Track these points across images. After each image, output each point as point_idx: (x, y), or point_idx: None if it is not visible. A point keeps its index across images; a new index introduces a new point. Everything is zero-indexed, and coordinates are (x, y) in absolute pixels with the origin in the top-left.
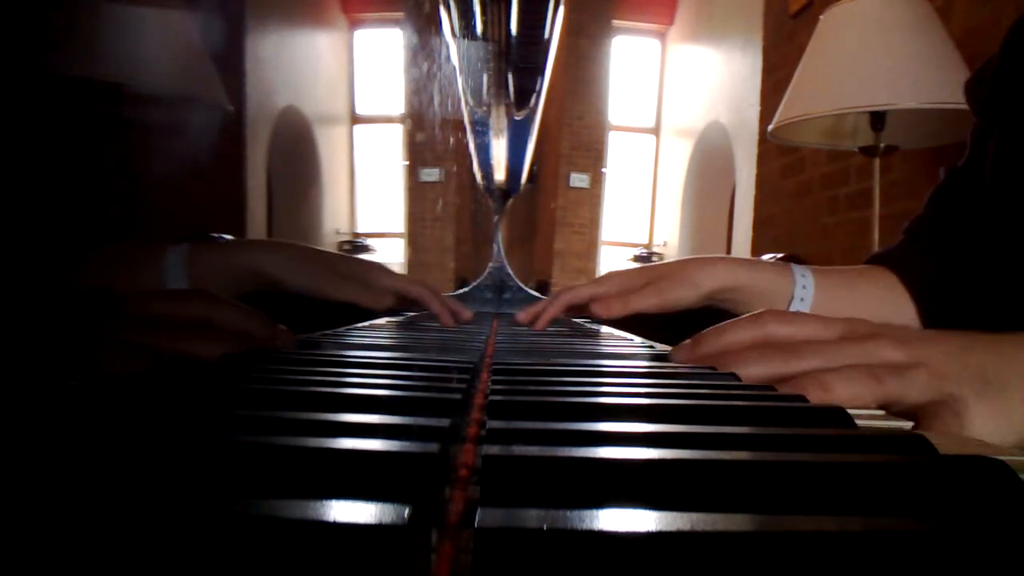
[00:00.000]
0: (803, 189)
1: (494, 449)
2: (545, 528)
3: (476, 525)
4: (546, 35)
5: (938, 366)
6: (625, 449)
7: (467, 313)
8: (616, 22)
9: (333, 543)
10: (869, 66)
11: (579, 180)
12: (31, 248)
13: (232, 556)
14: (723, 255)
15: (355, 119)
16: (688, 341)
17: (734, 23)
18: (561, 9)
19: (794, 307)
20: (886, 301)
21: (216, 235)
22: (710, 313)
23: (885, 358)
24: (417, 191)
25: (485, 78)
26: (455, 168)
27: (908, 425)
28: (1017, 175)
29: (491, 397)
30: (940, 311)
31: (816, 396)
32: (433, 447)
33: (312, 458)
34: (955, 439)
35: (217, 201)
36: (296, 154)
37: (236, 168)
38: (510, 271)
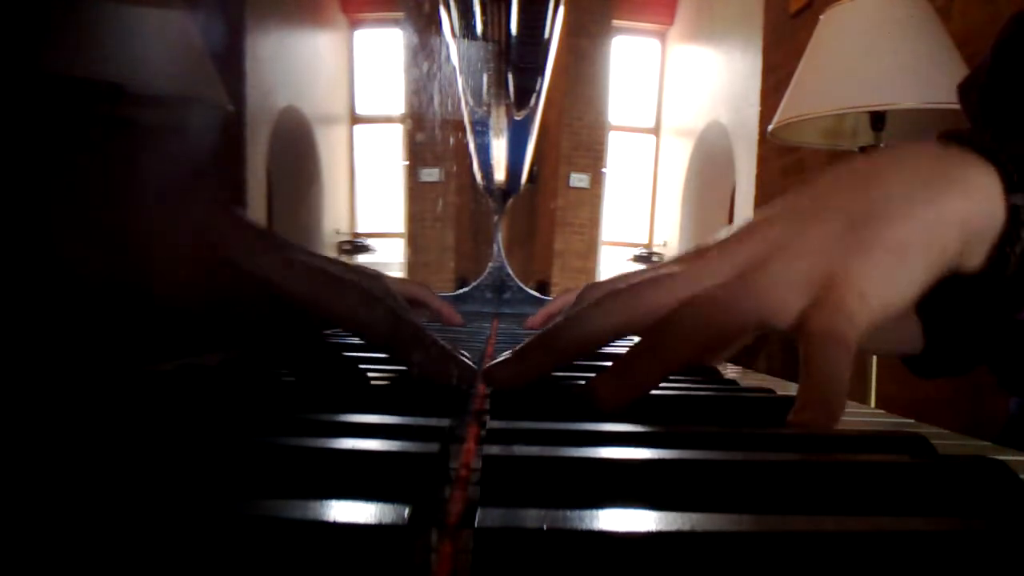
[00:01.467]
0: None
1: (494, 449)
2: (545, 528)
3: (476, 525)
4: (546, 35)
5: (790, 241)
6: (625, 449)
7: (458, 317)
8: (616, 22)
9: (334, 543)
10: (869, 66)
11: (579, 180)
12: (31, 248)
13: (234, 556)
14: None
15: (355, 119)
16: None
17: (734, 23)
18: (561, 9)
19: None
20: None
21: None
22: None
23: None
24: (417, 191)
25: (485, 78)
26: (455, 168)
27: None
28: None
29: (491, 397)
30: None
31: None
32: (433, 447)
33: (313, 458)
34: (955, 439)
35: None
36: (296, 154)
37: (236, 168)
38: (510, 271)
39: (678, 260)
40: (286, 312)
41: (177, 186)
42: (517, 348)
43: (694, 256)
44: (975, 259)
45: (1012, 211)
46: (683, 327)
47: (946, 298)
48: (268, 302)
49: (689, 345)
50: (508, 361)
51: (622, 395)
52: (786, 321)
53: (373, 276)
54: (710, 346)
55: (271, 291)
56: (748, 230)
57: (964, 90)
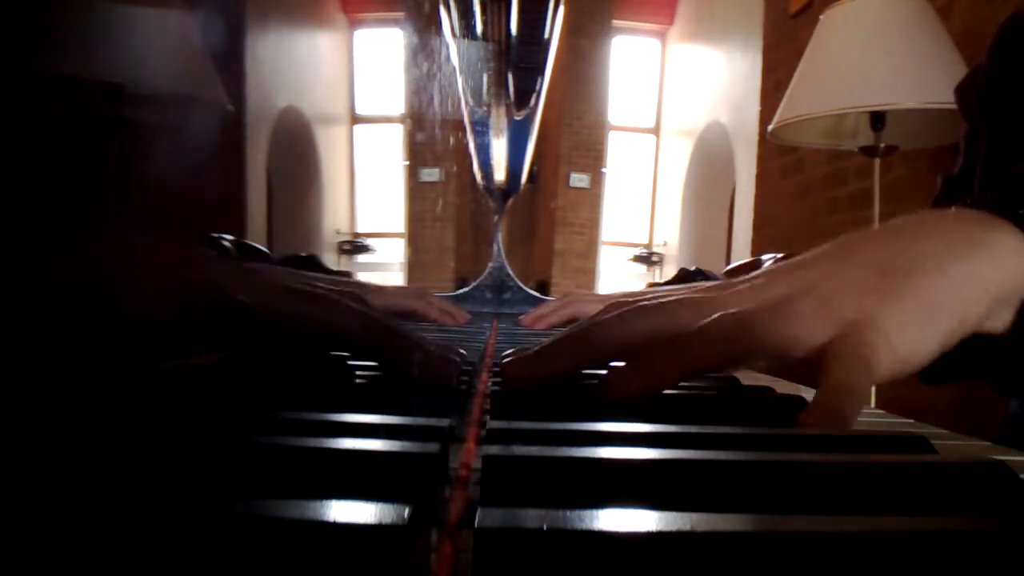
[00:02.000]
0: (803, 189)
1: (494, 449)
2: (545, 528)
3: (476, 525)
4: (546, 35)
5: (822, 283)
6: (625, 449)
7: (463, 315)
8: (616, 22)
9: (334, 543)
10: (869, 66)
11: (579, 180)
12: (30, 249)
13: (233, 556)
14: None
15: (355, 119)
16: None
17: (734, 23)
18: (561, 9)
19: None
20: None
21: (217, 236)
22: None
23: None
24: (417, 191)
25: (485, 78)
26: (455, 168)
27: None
28: (1006, 177)
29: (491, 397)
30: None
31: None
32: (433, 447)
33: (313, 458)
34: (955, 439)
35: (217, 201)
36: (296, 154)
37: (236, 168)
38: (510, 271)
39: (705, 289)
40: (270, 336)
41: (178, 237)
42: (535, 347)
43: (723, 287)
44: (1000, 321)
45: None
46: (710, 335)
47: (972, 356)
48: (253, 327)
49: (712, 353)
50: (526, 359)
51: (638, 389)
52: (808, 348)
53: (351, 292)
54: (730, 359)
55: (255, 317)
56: (779, 270)
57: (961, 91)
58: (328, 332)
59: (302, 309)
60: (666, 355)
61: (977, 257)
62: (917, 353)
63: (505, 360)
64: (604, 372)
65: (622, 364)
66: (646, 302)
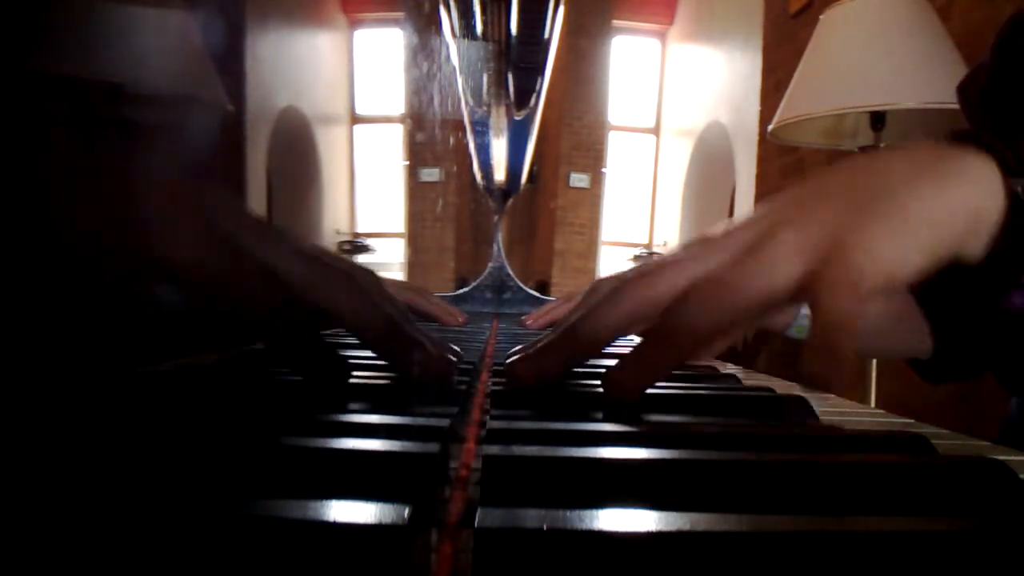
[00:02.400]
0: None
1: (494, 449)
2: (544, 528)
3: (476, 525)
4: (546, 35)
5: (790, 220)
6: (625, 449)
7: (462, 316)
8: (616, 22)
9: (334, 543)
10: (869, 66)
11: (579, 180)
12: (30, 249)
13: (234, 556)
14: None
15: (355, 119)
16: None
17: (734, 23)
18: (561, 9)
19: None
20: None
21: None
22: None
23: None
24: (417, 191)
25: (485, 78)
26: (455, 168)
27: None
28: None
29: (491, 397)
30: None
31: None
32: (433, 447)
33: (313, 458)
34: (955, 439)
35: None
36: (296, 154)
37: (236, 168)
38: (510, 271)
39: (683, 248)
40: (289, 302)
41: (184, 172)
42: (535, 345)
43: (699, 242)
44: (976, 249)
45: (1013, 199)
46: (692, 309)
47: (950, 290)
48: (274, 290)
49: (701, 328)
50: (528, 358)
51: (638, 383)
52: (791, 289)
53: (372, 277)
54: (721, 326)
55: (277, 280)
56: (751, 217)
57: (963, 90)
58: (338, 315)
59: (319, 282)
60: (657, 346)
61: (949, 180)
62: (901, 264)
63: (510, 363)
64: (607, 363)
65: (616, 363)
66: (628, 276)
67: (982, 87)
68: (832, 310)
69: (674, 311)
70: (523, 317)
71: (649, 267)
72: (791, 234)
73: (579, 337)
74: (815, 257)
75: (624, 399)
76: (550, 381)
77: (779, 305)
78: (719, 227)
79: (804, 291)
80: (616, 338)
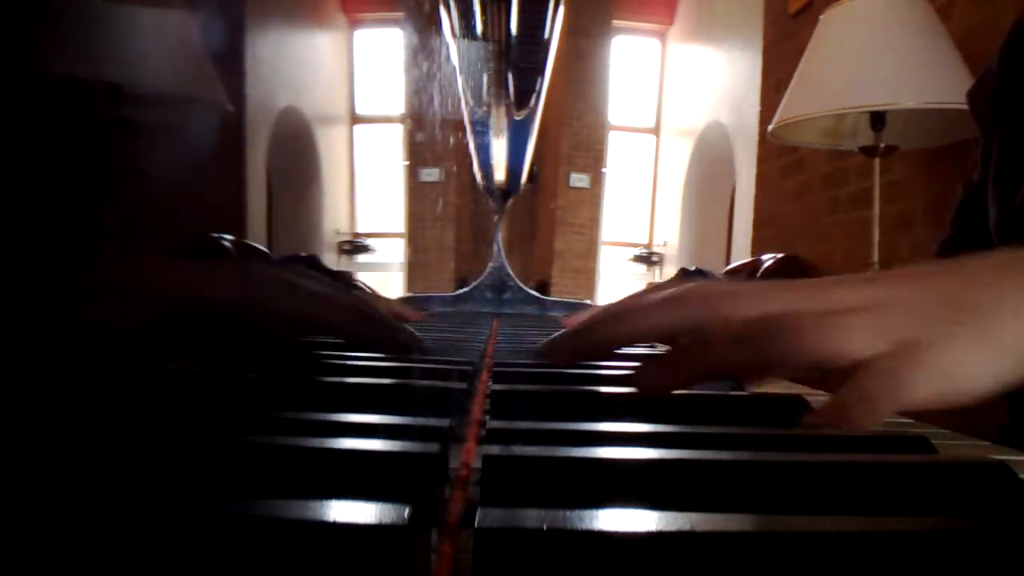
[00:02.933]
0: (803, 189)
1: (494, 449)
2: (545, 528)
3: (476, 525)
4: (546, 35)
5: (883, 302)
6: (625, 449)
7: (416, 313)
8: (616, 22)
9: (334, 543)
10: (869, 66)
11: (579, 180)
12: (30, 249)
13: (234, 556)
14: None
15: (355, 119)
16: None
17: (734, 23)
18: (561, 9)
19: None
20: None
21: (217, 236)
22: None
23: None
24: (417, 191)
25: (485, 78)
26: (455, 168)
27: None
28: (1018, 180)
29: (491, 397)
30: None
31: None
32: (433, 447)
33: (313, 458)
34: (955, 439)
35: (217, 201)
36: (296, 154)
37: (236, 168)
38: (510, 271)
39: (767, 287)
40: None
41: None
42: (577, 325)
43: (785, 285)
44: None
45: None
46: (751, 337)
47: None
48: (232, 319)
49: (750, 357)
50: (567, 335)
51: (665, 383)
52: (852, 361)
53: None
54: (769, 365)
55: (231, 308)
56: (843, 280)
57: (973, 97)
58: (293, 316)
59: (262, 296)
60: (695, 356)
61: None
62: (971, 384)
63: (548, 340)
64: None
65: (652, 359)
66: (691, 290)
67: (992, 92)
68: (861, 390)
69: (737, 333)
70: (563, 317)
71: (726, 288)
72: (875, 315)
73: (627, 322)
74: (887, 346)
75: (646, 391)
76: (588, 357)
77: (835, 367)
78: (813, 281)
79: (865, 366)
80: (664, 336)
